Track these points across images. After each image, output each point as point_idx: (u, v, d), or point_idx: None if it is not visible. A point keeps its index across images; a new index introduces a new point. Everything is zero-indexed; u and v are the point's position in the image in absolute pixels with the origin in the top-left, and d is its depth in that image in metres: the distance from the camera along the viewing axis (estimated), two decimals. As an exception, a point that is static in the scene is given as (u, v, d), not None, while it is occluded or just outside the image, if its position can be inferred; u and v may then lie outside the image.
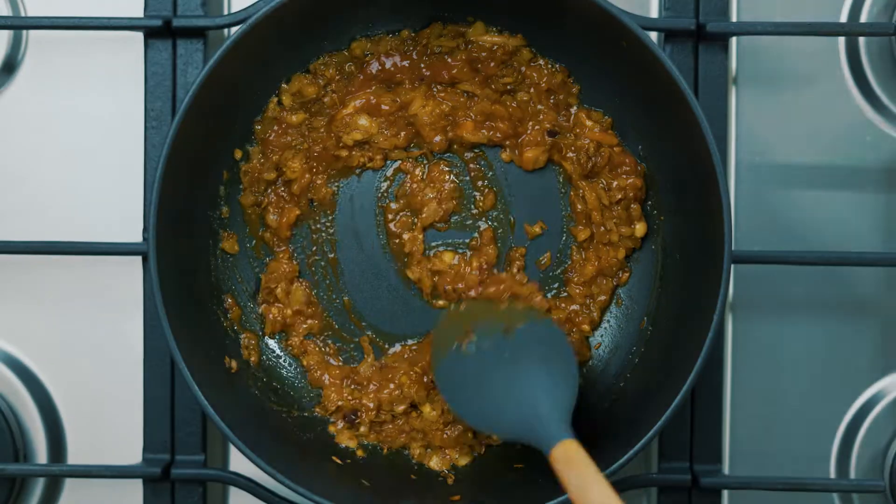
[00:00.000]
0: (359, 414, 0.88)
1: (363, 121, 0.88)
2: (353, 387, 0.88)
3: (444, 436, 0.87)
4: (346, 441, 0.87)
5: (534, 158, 0.88)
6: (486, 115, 0.88)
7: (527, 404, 0.76)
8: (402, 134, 0.88)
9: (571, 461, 0.70)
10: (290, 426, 0.87)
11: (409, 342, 0.90)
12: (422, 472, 0.87)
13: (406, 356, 0.89)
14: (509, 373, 0.79)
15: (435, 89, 0.88)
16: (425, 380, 0.87)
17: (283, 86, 0.87)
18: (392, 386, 0.88)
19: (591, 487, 0.67)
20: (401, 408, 0.87)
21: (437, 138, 0.88)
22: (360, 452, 0.88)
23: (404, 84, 0.88)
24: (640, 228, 0.87)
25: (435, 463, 0.87)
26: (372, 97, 0.88)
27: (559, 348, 0.80)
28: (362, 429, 0.88)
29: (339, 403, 0.88)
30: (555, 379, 0.77)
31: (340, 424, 0.88)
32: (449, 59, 0.87)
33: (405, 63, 0.87)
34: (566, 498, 0.76)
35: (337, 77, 0.88)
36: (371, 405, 0.87)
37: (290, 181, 0.88)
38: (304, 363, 0.89)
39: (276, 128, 0.88)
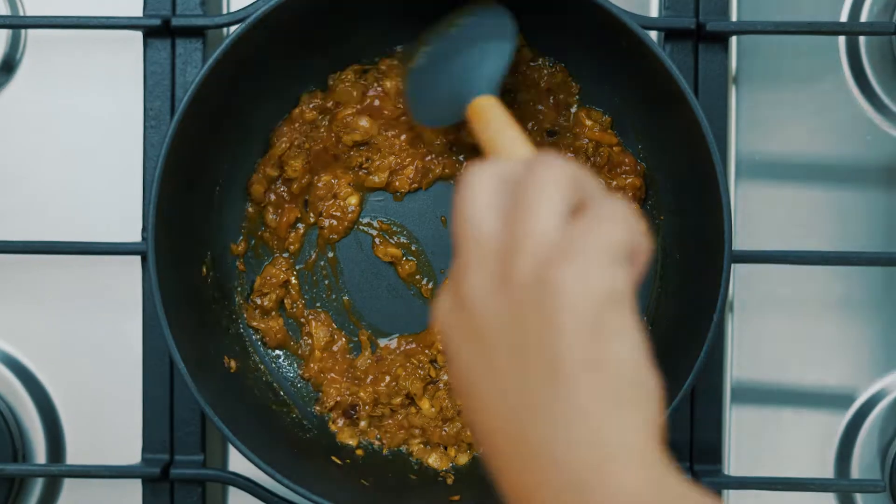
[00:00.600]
0: (357, 409, 0.87)
1: (364, 122, 0.88)
2: (350, 380, 0.88)
3: (443, 433, 0.87)
4: (347, 439, 0.87)
5: None
6: None
7: (458, 82, 0.75)
8: (403, 137, 0.88)
9: (484, 112, 0.68)
10: (290, 426, 0.87)
11: (406, 335, 0.90)
12: (422, 473, 0.87)
13: (402, 349, 0.89)
14: (448, 62, 0.79)
15: None
16: (420, 373, 0.87)
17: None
18: (388, 378, 0.88)
19: (505, 127, 0.64)
20: (397, 400, 0.87)
21: (438, 141, 0.88)
22: (359, 452, 0.87)
23: None
24: None
25: (434, 461, 0.87)
26: (376, 100, 0.88)
27: (499, 24, 0.78)
28: (362, 424, 0.88)
29: (338, 399, 0.88)
30: (487, 52, 0.76)
31: (341, 422, 0.88)
32: None
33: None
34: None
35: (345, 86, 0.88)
36: (368, 399, 0.87)
37: (290, 180, 0.88)
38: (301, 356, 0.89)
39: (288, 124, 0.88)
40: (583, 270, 0.49)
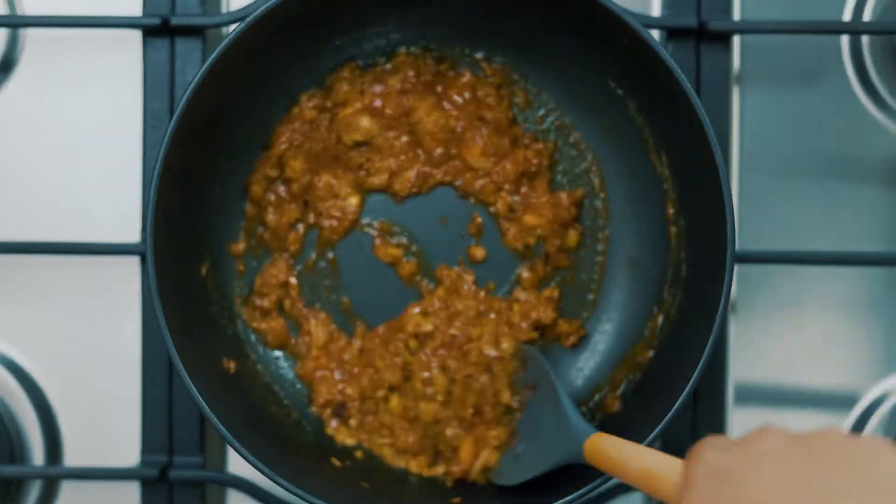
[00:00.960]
0: (346, 406, 0.87)
1: (365, 121, 0.87)
2: (341, 376, 0.88)
3: (409, 439, 0.86)
4: (344, 439, 0.87)
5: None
6: (496, 148, 0.87)
7: (551, 439, 0.78)
8: (404, 139, 0.88)
9: (601, 448, 0.70)
10: (289, 428, 0.87)
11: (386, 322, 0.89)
12: (422, 473, 0.87)
13: (379, 336, 0.88)
14: (531, 425, 0.82)
15: (447, 105, 0.88)
16: (398, 360, 0.86)
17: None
18: (371, 370, 0.87)
19: (647, 452, 0.65)
20: (381, 393, 0.87)
21: (439, 150, 0.88)
22: (358, 454, 0.87)
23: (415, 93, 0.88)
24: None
25: (404, 464, 0.86)
26: (378, 99, 0.87)
27: (549, 381, 0.81)
28: (352, 422, 0.87)
29: (328, 398, 0.87)
30: (557, 404, 0.78)
31: (335, 423, 0.87)
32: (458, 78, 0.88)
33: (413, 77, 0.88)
34: (568, 500, 0.76)
35: (347, 87, 0.88)
36: (355, 394, 0.87)
37: (289, 180, 0.88)
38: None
39: (288, 124, 0.88)
40: None
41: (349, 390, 0.87)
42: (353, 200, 0.89)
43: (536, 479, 0.81)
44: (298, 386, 0.89)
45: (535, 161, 0.88)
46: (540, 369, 0.83)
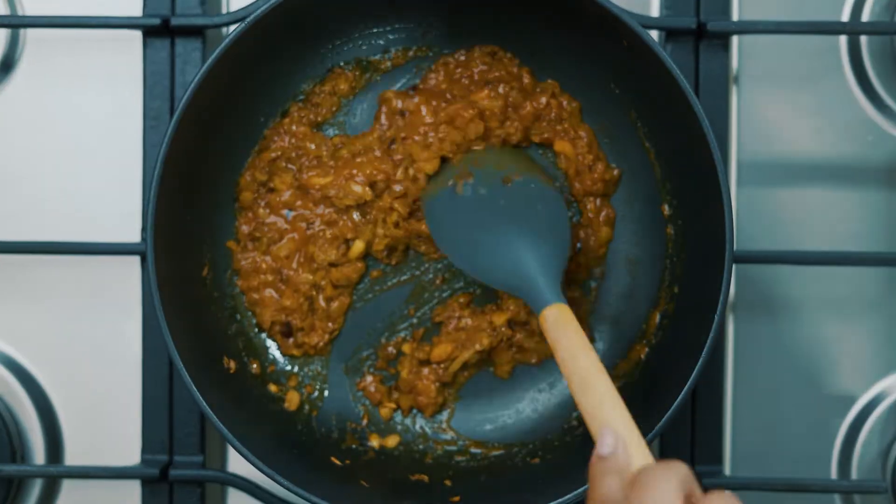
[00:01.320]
0: (291, 325, 0.87)
1: (356, 187, 0.87)
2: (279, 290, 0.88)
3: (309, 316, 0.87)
4: (290, 350, 0.88)
5: None
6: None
7: (518, 259, 0.76)
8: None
9: (563, 324, 0.70)
10: (289, 427, 0.87)
11: None
12: (422, 473, 0.87)
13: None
14: (503, 222, 0.79)
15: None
16: (356, 216, 0.86)
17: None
18: (306, 266, 0.87)
19: (579, 352, 0.68)
20: (319, 292, 0.87)
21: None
22: (353, 443, 0.87)
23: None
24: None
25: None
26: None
27: (555, 209, 0.79)
28: (300, 336, 0.87)
29: (272, 320, 0.87)
30: (548, 240, 0.77)
31: (290, 341, 0.87)
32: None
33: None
34: (567, 499, 0.76)
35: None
36: (294, 305, 0.87)
37: (272, 190, 0.88)
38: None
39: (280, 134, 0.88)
40: None
41: (287, 302, 0.87)
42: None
43: (533, 478, 0.81)
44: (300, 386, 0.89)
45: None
46: (548, 192, 0.81)
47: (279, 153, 0.88)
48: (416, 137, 0.86)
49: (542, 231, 0.78)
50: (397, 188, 0.86)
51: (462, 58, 0.88)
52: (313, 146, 0.87)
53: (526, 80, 0.88)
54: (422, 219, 0.85)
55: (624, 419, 0.63)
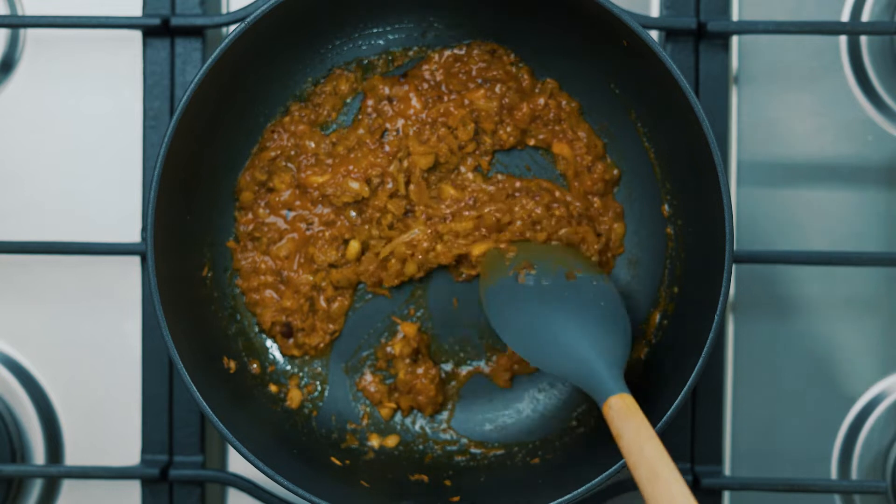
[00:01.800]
0: (291, 325, 0.87)
1: (354, 183, 0.87)
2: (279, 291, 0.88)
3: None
4: (291, 350, 0.88)
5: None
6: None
7: (583, 350, 0.77)
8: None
9: (628, 414, 0.71)
10: (289, 427, 0.87)
11: None
12: (422, 473, 0.87)
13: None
14: (568, 313, 0.80)
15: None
16: (353, 215, 0.87)
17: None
18: (306, 268, 0.87)
19: (646, 443, 0.68)
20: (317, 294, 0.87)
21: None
22: (353, 443, 0.87)
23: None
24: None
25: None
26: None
27: (616, 306, 0.80)
28: (300, 336, 0.87)
29: (273, 320, 0.88)
30: (611, 333, 0.78)
31: (290, 342, 0.87)
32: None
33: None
34: (566, 499, 0.76)
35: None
36: (294, 306, 0.87)
37: (272, 190, 0.88)
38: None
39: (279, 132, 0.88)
40: None
41: (287, 303, 0.87)
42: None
43: (533, 478, 0.81)
44: (300, 384, 0.89)
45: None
46: (608, 291, 0.82)
47: (279, 152, 0.88)
48: (413, 129, 0.86)
49: (606, 325, 0.79)
50: (389, 185, 0.86)
51: (461, 52, 0.88)
52: (312, 144, 0.87)
53: (525, 80, 0.88)
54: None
55: None
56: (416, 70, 0.88)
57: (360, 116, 0.88)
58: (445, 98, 0.87)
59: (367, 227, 0.87)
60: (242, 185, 0.88)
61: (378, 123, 0.87)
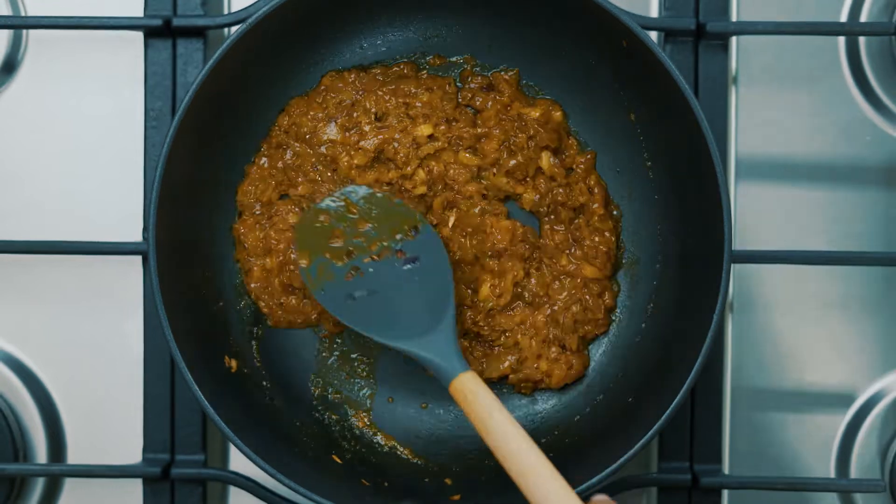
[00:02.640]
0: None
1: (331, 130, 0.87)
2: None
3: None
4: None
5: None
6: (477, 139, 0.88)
7: (419, 330, 0.79)
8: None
9: (472, 392, 0.75)
10: (290, 425, 0.87)
11: None
12: (421, 472, 0.87)
13: None
14: (399, 293, 0.83)
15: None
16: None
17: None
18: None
19: (491, 414, 0.73)
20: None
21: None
22: (354, 441, 0.88)
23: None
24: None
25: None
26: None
27: (438, 257, 0.83)
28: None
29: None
30: (441, 299, 0.80)
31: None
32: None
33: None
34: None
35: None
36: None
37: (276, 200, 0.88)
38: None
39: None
40: None
41: (267, 260, 0.88)
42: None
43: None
44: (302, 383, 0.89)
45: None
46: (436, 255, 0.84)
47: (278, 152, 0.88)
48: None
49: (436, 290, 0.82)
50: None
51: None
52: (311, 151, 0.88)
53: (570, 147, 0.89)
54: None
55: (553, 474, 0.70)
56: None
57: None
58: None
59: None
60: (244, 188, 0.88)
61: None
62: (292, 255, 0.87)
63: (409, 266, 0.83)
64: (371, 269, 0.84)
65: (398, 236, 0.84)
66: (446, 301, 0.81)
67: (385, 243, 0.84)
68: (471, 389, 0.75)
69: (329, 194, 0.86)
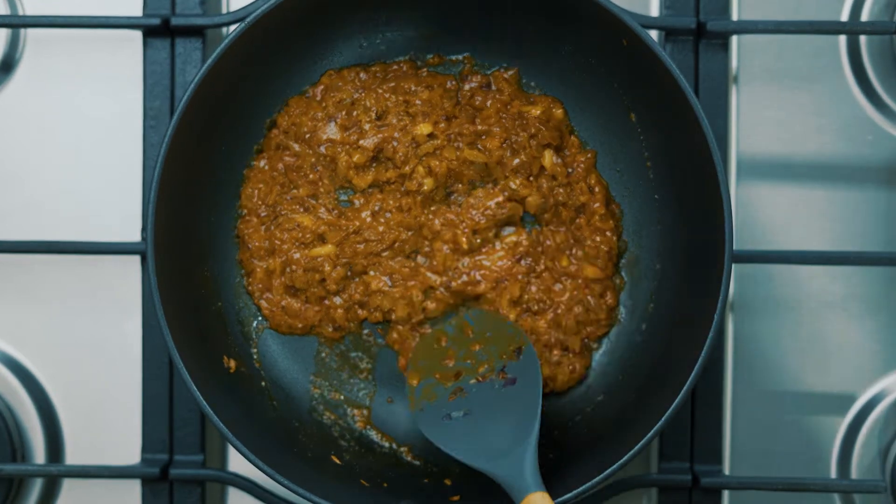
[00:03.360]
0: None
1: (322, 249, 0.87)
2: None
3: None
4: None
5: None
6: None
7: (503, 448, 0.78)
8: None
9: None
10: (289, 426, 0.87)
11: None
12: (421, 472, 0.87)
13: None
14: (494, 414, 0.82)
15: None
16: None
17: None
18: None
19: None
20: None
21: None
22: (353, 442, 0.88)
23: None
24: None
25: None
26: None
27: (534, 380, 0.81)
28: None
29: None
30: (528, 420, 0.79)
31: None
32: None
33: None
34: (566, 499, 0.76)
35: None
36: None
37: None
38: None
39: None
40: None
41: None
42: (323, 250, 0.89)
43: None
44: (301, 384, 0.89)
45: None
46: (532, 377, 0.83)
47: (278, 153, 0.88)
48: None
49: (525, 410, 0.80)
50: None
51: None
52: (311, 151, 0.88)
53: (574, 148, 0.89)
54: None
55: None
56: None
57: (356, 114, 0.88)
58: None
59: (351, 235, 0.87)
60: (244, 189, 0.88)
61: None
62: (295, 256, 0.87)
63: (507, 387, 0.83)
64: (474, 390, 0.84)
65: (504, 357, 0.85)
66: (532, 421, 0.79)
67: (491, 364, 0.84)
68: None
69: (445, 316, 0.87)
